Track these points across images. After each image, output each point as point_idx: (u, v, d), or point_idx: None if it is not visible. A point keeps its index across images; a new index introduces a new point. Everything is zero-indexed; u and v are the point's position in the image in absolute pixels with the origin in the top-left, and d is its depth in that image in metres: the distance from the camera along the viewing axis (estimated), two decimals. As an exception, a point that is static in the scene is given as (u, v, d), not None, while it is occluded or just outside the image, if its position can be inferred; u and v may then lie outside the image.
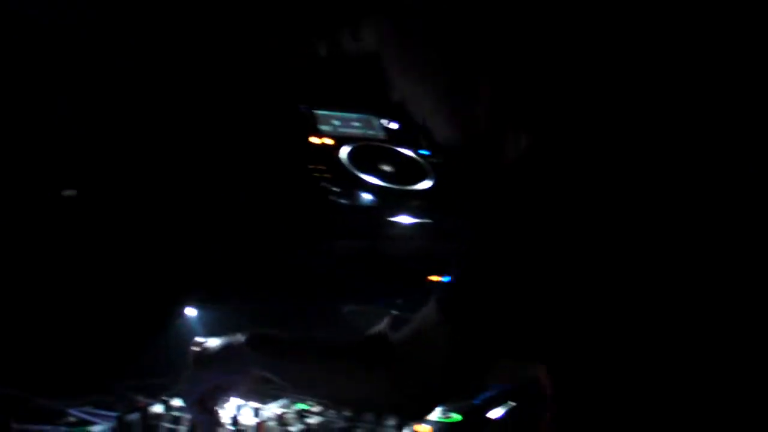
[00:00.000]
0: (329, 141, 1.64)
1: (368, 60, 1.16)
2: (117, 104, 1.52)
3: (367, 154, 1.65)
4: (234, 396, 1.24)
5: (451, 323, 0.95)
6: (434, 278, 1.77)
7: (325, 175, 1.57)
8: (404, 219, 1.63)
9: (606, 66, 1.09)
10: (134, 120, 1.53)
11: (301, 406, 1.33)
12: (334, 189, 1.56)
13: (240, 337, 1.12)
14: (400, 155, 1.71)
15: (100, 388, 1.36)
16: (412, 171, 1.68)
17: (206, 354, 1.14)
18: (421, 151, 1.72)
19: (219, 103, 1.61)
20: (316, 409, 1.32)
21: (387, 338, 1.03)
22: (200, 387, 1.15)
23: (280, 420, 1.26)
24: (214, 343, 1.14)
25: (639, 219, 0.94)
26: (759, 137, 1.13)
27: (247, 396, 1.31)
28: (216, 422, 1.19)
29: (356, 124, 1.73)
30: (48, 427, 1.26)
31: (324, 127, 1.68)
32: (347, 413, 1.28)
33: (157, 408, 1.29)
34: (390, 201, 1.62)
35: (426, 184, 1.66)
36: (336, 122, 1.70)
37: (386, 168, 1.64)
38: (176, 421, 1.24)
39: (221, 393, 1.17)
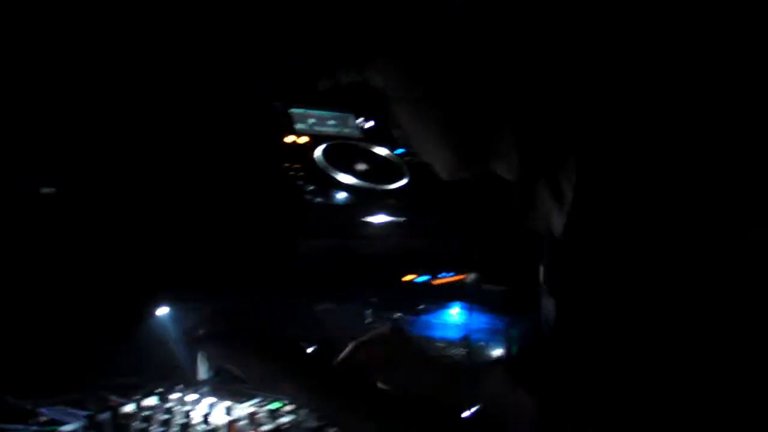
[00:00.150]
0: (304, 139, 1.64)
1: (372, 96, 1.15)
2: (90, 103, 1.52)
3: (343, 152, 1.66)
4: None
5: (536, 397, 0.88)
6: (409, 277, 1.78)
7: (300, 174, 1.57)
8: (379, 218, 1.63)
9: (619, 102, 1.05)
10: (107, 119, 1.53)
11: (273, 405, 1.33)
12: (309, 188, 1.56)
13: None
14: (376, 154, 1.72)
15: (71, 387, 1.36)
16: (387, 170, 1.68)
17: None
18: (397, 150, 1.73)
19: (192, 100, 1.61)
20: (288, 408, 1.32)
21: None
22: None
23: (252, 419, 1.26)
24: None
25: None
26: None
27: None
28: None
29: (332, 122, 1.73)
30: (19, 427, 1.25)
31: (299, 126, 1.68)
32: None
33: (129, 407, 1.29)
34: (365, 200, 1.62)
35: (401, 183, 1.67)
36: (311, 120, 1.70)
37: (361, 167, 1.65)
38: (147, 420, 1.24)
39: None
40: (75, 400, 1.32)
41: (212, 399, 1.35)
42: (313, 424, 1.26)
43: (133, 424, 1.23)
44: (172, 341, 1.45)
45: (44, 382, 1.34)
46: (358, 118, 1.77)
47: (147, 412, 1.26)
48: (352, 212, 1.61)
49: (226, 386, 1.42)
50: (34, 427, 1.25)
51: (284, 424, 1.26)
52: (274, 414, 1.30)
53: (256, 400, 1.36)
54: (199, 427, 1.24)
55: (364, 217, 1.62)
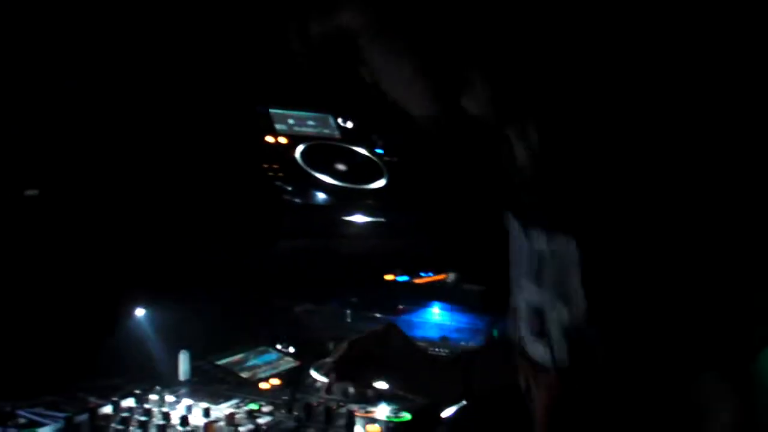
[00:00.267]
0: (284, 140, 1.64)
1: (342, 40, 1.13)
2: (70, 106, 1.51)
3: (322, 153, 1.66)
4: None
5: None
6: (389, 277, 1.78)
7: (279, 174, 1.58)
8: (358, 218, 1.63)
9: (602, 58, 1.06)
10: (88, 121, 1.52)
11: (251, 406, 1.33)
12: (288, 188, 1.56)
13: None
14: (355, 154, 1.72)
15: (50, 389, 1.36)
16: (366, 170, 1.69)
17: None
18: (376, 150, 1.73)
19: (173, 101, 1.60)
20: (266, 409, 1.32)
21: None
22: None
23: (230, 420, 1.26)
24: None
25: None
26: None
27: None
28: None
29: (311, 122, 1.74)
30: (-3, 428, 1.25)
31: (279, 126, 1.68)
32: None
33: (107, 409, 1.29)
34: (344, 200, 1.63)
35: (380, 183, 1.67)
36: (291, 121, 1.70)
37: (341, 167, 1.65)
38: (125, 421, 1.24)
39: None
40: (53, 402, 1.32)
41: (190, 400, 1.35)
42: (291, 424, 1.27)
43: (111, 425, 1.24)
44: (150, 342, 1.45)
45: (22, 385, 1.34)
46: (337, 118, 1.77)
47: (125, 414, 1.26)
48: (332, 212, 1.62)
49: (204, 387, 1.43)
50: (13, 430, 1.25)
51: (262, 425, 1.27)
52: (252, 415, 1.30)
53: (233, 401, 1.36)
54: (177, 429, 1.24)
55: (343, 216, 1.62)
